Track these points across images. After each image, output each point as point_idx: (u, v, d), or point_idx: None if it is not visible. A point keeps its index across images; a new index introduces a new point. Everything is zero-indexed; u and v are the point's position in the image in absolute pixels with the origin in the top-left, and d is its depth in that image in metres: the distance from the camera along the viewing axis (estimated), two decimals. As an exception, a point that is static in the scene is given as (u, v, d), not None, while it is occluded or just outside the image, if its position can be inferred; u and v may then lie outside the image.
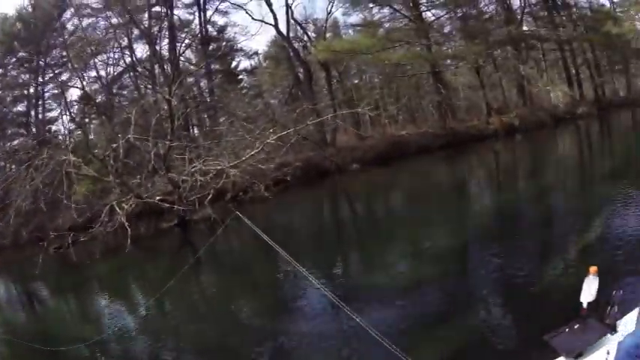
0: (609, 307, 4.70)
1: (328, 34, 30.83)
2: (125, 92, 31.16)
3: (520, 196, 14.18)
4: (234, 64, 33.88)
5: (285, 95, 32.13)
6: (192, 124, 28.89)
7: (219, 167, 17.99)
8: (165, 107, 19.76)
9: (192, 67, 29.47)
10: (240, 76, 34.96)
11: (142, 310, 9.50)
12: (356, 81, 33.66)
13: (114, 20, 28.53)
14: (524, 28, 37.60)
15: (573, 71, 41.71)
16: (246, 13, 29.04)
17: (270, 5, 27.90)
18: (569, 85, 38.94)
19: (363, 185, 20.73)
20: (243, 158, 18.30)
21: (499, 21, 35.26)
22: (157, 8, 29.07)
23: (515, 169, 20.35)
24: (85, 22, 29.25)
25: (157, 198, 17.88)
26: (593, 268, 5.23)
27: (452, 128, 26.87)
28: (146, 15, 28.59)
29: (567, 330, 4.57)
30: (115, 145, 19.12)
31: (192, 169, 18.25)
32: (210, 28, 30.83)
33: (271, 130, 19.65)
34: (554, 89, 34.60)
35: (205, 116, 29.39)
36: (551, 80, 37.84)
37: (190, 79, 30.04)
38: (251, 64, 35.92)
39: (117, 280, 13.03)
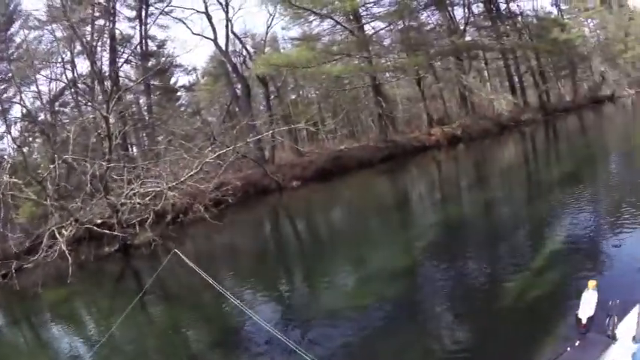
0: (608, 318, 4.78)
1: (267, 49, 31.68)
2: (67, 110, 30.71)
3: (464, 205, 14.80)
4: (172, 80, 34.01)
5: (223, 112, 32.51)
6: (131, 143, 28.81)
7: (157, 189, 18.02)
8: (104, 125, 19.63)
9: (131, 83, 29.31)
10: (179, 93, 35.23)
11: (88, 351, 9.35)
12: (293, 96, 34.58)
13: (58, 34, 28.30)
14: (468, 38, 39.04)
15: (516, 79, 44.38)
16: (186, 27, 29.17)
17: (209, 19, 28.51)
18: (513, 92, 41.38)
19: (305, 202, 21.03)
20: (182, 179, 18.38)
21: (441, 32, 36.79)
22: (101, 22, 28.96)
23: (458, 178, 21.08)
24: (32, 34, 28.98)
25: (98, 222, 17.78)
26: (592, 283, 5.33)
27: (393, 140, 27.82)
28: (89, 28, 28.36)
29: (569, 349, 4.64)
30: (52, 166, 19.00)
31: (130, 192, 18.22)
32: (150, 42, 30.87)
33: (209, 149, 19.95)
34: (498, 97, 36.42)
35: (144, 135, 29.34)
36: (495, 89, 39.54)
37: (130, 96, 30.04)
38: (189, 81, 36.43)
39: (62, 313, 12.73)
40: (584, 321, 4.82)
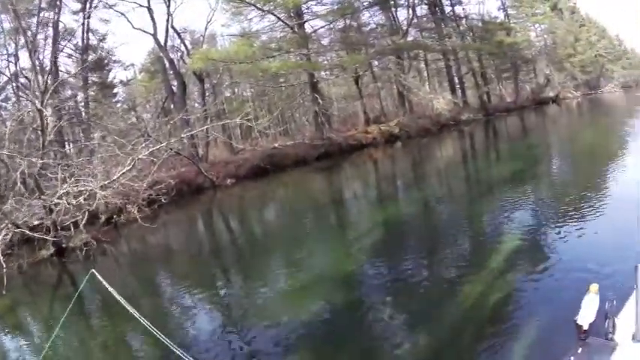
0: (606, 320, 4.83)
1: (205, 46, 32.41)
2: (8, 105, 30.65)
3: (400, 204, 15.13)
4: (111, 75, 34.48)
5: (158, 109, 33.16)
6: (68, 139, 29.06)
7: (89, 188, 17.51)
8: (39, 120, 19.00)
9: (70, 77, 29.50)
10: (116, 89, 35.76)
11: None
12: (228, 94, 35.64)
13: (6, 25, 28.43)
14: (410, 39, 40.78)
15: (457, 80, 47.21)
16: (127, 21, 29.75)
17: (151, 13, 28.84)
18: (453, 92, 44.12)
19: (239, 201, 21.37)
20: (114, 177, 18.15)
21: (383, 32, 38.56)
22: (47, 13, 29.23)
23: (394, 176, 21.91)
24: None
25: (34, 223, 17.21)
26: (594, 287, 5.31)
27: (329, 138, 28.78)
28: (35, 20, 28.52)
29: (572, 358, 4.66)
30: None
31: (63, 191, 17.40)
32: (91, 36, 31.21)
33: (143, 145, 19.69)
34: (437, 97, 38.89)
35: (80, 131, 29.62)
36: (434, 89, 41.46)
37: (69, 92, 30.36)
38: (127, 77, 36.93)
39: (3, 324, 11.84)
40: (585, 327, 4.86)
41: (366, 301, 7.69)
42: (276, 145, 26.84)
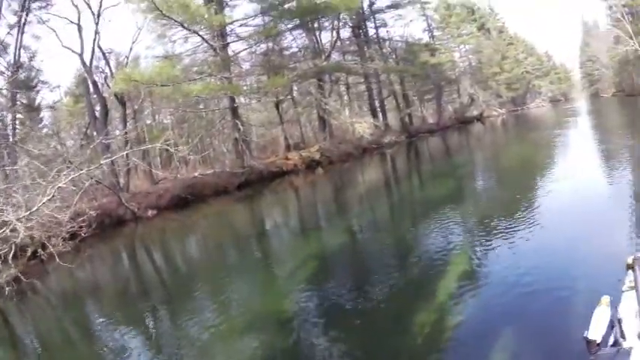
0: (613, 328, 4.90)
1: (130, 67, 33.23)
2: None
3: (324, 232, 15.21)
4: (38, 98, 34.95)
5: (80, 134, 33.95)
6: (-5, 164, 29.31)
7: (6, 219, 16.70)
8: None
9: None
10: (42, 113, 36.26)
11: None
12: (149, 122, 36.57)
13: None
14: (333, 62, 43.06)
15: (378, 103, 50.63)
16: (57, 38, 30.08)
17: (80, 31, 28.83)
18: (375, 115, 47.39)
19: (161, 234, 21.25)
20: (35, 208, 17.42)
21: (305, 55, 41.40)
22: None
23: (316, 203, 22.52)
24: None
25: None
26: (605, 299, 5.33)
27: (250, 166, 29.69)
28: None
29: None
30: None
31: None
32: (23, 52, 31.05)
33: (64, 173, 19.18)
34: (359, 121, 41.07)
35: (6, 155, 29.98)
36: (356, 112, 44.11)
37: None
38: (53, 100, 37.48)
39: None
40: (598, 340, 4.76)
41: (301, 337, 7.45)
42: (195, 174, 27.22)
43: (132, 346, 8.42)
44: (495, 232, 10.76)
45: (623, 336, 4.75)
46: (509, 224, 11.15)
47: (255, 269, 11.98)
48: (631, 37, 61.70)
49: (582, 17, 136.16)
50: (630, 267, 6.04)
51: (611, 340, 4.81)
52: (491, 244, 9.92)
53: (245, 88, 34.98)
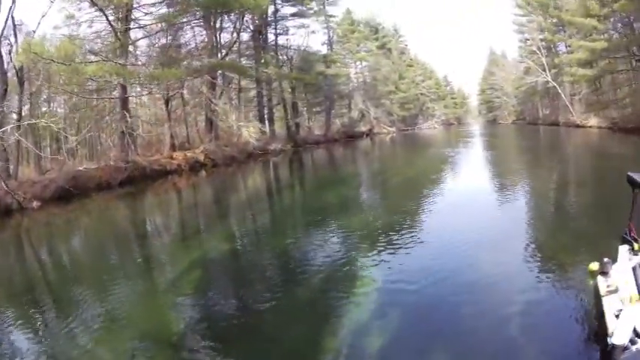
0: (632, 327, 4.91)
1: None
2: None
3: (204, 237, 15.24)
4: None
5: None
6: None
7: None
8: None
9: None
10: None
11: None
12: (44, 109, 37.42)
13: None
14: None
15: (267, 109, 55.21)
16: None
17: None
18: (262, 122, 51.41)
19: (46, 229, 20.32)
20: None
21: (203, 52, 44.11)
22: None
23: (197, 207, 22.49)
24: None
25: None
26: (635, 296, 5.36)
27: (134, 162, 30.60)
28: None
29: None
30: None
31: None
32: None
33: None
34: (246, 125, 43.94)
35: None
36: (244, 117, 47.98)
37: None
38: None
39: None
40: (625, 344, 4.72)
41: (181, 349, 7.05)
42: (81, 168, 27.62)
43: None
44: (374, 242, 11.24)
45: (637, 333, 4.82)
46: (389, 236, 11.77)
47: (137, 275, 11.45)
48: (544, 70, 71.31)
49: (491, 47, 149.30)
50: (600, 273, 6.61)
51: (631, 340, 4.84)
52: (370, 255, 10.26)
53: (140, 76, 35.75)
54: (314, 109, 70.35)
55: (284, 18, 58.34)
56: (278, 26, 58.03)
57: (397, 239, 11.41)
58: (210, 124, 41.97)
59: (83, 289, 10.69)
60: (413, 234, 11.83)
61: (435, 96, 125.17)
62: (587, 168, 25.50)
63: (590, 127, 56.21)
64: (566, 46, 70.68)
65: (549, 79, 71.50)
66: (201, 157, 36.51)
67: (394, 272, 9.07)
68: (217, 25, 45.79)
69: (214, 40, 45.44)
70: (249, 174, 34.53)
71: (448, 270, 8.92)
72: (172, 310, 8.63)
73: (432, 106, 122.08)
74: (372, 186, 24.51)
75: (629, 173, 6.95)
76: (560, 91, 69.60)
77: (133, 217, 21.40)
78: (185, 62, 40.79)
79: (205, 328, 7.63)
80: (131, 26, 36.24)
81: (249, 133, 42.86)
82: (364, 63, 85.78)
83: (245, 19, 49.65)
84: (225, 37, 48.28)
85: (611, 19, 49.47)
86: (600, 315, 5.80)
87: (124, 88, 34.38)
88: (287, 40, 59.44)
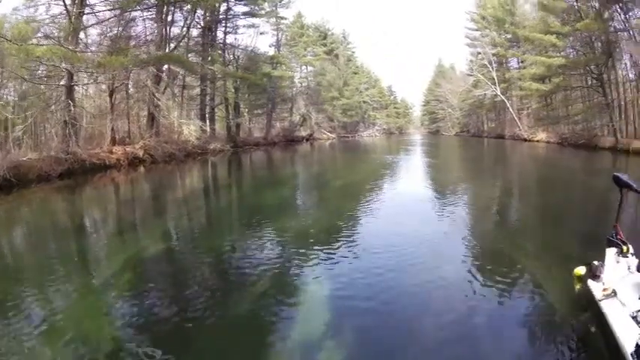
0: None
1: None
2: None
3: (141, 234, 15.10)
4: None
5: None
6: None
7: None
8: None
9: None
10: None
11: None
12: None
13: None
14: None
15: (209, 108, 56.89)
16: None
17: None
18: (203, 120, 52.82)
19: None
20: None
21: (150, 45, 45.21)
22: None
23: (135, 204, 22.36)
24: None
25: None
26: None
27: (75, 154, 30.93)
28: None
29: None
30: None
31: None
32: None
33: None
34: (188, 123, 45.43)
35: None
36: (187, 114, 49.36)
37: None
38: None
39: None
40: None
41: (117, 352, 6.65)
42: (24, 158, 27.61)
43: None
44: (312, 247, 11.26)
45: None
46: (328, 240, 11.82)
47: (71, 272, 10.99)
48: (494, 83, 75.34)
49: (439, 59, 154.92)
50: (591, 277, 6.70)
51: None
52: (309, 260, 10.19)
53: (87, 63, 35.47)
54: (255, 111, 72.17)
55: (235, 16, 59.99)
56: (228, 24, 59.83)
57: (338, 244, 11.44)
58: (152, 119, 42.72)
59: (11, 284, 10.04)
60: (354, 239, 11.91)
61: (377, 105, 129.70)
62: (535, 175, 27.72)
63: (537, 141, 60.68)
64: (518, 62, 76.22)
65: (498, 93, 76.39)
66: (141, 153, 37.20)
67: (336, 279, 8.89)
68: (169, 19, 47.03)
69: (164, 33, 46.34)
70: (187, 172, 34.92)
71: (393, 279, 8.78)
72: (104, 313, 8.20)
73: (374, 114, 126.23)
74: (310, 189, 25.12)
75: (614, 174, 7.10)
76: (508, 105, 74.65)
77: (71, 211, 20.79)
78: (133, 52, 41.00)
79: (137, 332, 7.23)
80: (85, 11, 36.71)
81: (190, 131, 44.19)
82: (310, 68, 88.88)
83: (197, 14, 51.14)
84: (174, 32, 49.51)
85: (571, 38, 52.67)
86: (600, 320, 5.93)
87: (70, 75, 34.72)
88: (235, 39, 61.47)
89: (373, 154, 53.45)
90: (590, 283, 6.73)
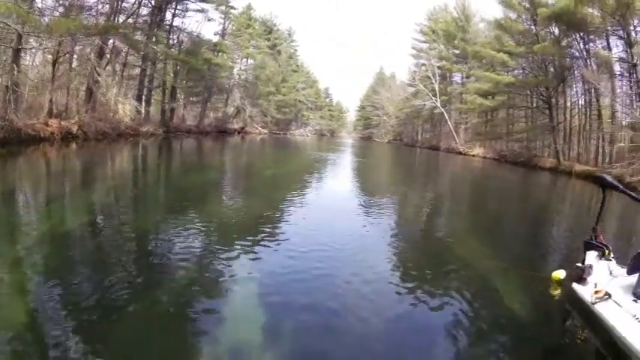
0: None
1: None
2: None
3: (70, 211, 14.41)
4: None
5: None
6: None
7: None
8: None
9: None
10: None
11: None
12: None
13: None
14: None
15: (147, 91, 57.74)
16: None
17: None
18: (140, 102, 53.69)
19: None
20: None
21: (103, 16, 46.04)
22: None
23: (65, 179, 21.83)
24: None
25: None
26: None
27: (11, 121, 30.72)
28: None
29: None
30: None
31: None
32: None
33: None
34: (124, 103, 46.33)
35: None
36: (124, 94, 50.29)
37: None
38: None
39: None
40: None
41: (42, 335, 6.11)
42: None
43: None
44: (235, 235, 11.16)
45: None
46: (251, 230, 11.68)
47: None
48: (435, 95, 78.47)
49: (381, 67, 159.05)
50: (576, 280, 6.95)
51: None
52: (229, 247, 9.94)
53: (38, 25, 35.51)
54: (191, 99, 73.30)
55: (187, -1, 61.55)
56: (179, 6, 60.78)
57: (263, 235, 11.20)
58: (90, 95, 43.21)
59: None
60: (280, 231, 11.70)
61: (313, 105, 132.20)
62: (472, 184, 29.14)
63: (473, 155, 63.15)
64: (462, 78, 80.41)
65: (438, 105, 79.87)
66: (75, 129, 37.54)
67: (263, 272, 8.54)
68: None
69: (115, 5, 47.34)
70: (118, 153, 34.81)
71: (321, 276, 8.53)
72: (11, 294, 7.40)
73: (308, 114, 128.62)
74: (239, 180, 25.15)
75: (598, 174, 7.20)
76: (447, 117, 78.05)
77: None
78: (82, 19, 41.37)
79: (48, 318, 6.51)
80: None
81: (125, 110, 45.13)
82: (250, 61, 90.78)
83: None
84: (125, 6, 50.27)
85: (524, 58, 55.22)
86: (594, 322, 6.05)
87: (20, 37, 34.69)
88: (182, 22, 62.12)
89: (305, 152, 54.86)
90: (576, 286, 6.99)
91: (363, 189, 22.79)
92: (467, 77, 76.05)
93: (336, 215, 14.61)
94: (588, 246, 7.60)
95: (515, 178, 37.64)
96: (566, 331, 6.78)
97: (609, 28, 42.39)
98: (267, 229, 11.90)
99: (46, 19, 37.59)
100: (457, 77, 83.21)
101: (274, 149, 56.32)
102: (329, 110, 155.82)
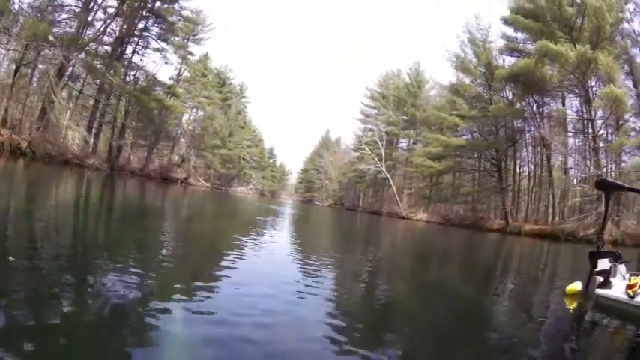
0: None
1: None
2: None
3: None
4: None
5: None
6: None
7: None
8: None
9: None
10: None
11: None
12: None
13: None
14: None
15: (97, 124, 58.41)
16: None
17: None
18: (90, 133, 54.02)
19: None
20: None
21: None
22: None
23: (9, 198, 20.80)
24: None
25: None
26: None
27: None
28: None
29: None
30: None
31: None
32: None
33: None
34: (75, 130, 46.47)
35: None
36: (76, 122, 50.32)
37: None
38: None
39: None
40: None
41: None
42: None
43: None
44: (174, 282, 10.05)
45: None
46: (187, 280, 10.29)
47: None
48: (381, 160, 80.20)
49: (327, 130, 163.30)
50: (599, 285, 7.37)
51: None
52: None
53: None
54: (139, 141, 73.77)
55: (149, 36, 62.71)
56: (140, 43, 62.32)
57: (201, 283, 9.83)
58: (44, 114, 43.30)
59: None
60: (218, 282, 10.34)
61: (256, 164, 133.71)
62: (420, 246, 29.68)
63: (417, 220, 63.64)
64: (408, 143, 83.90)
65: (383, 170, 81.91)
66: (25, 145, 37.22)
67: (198, 321, 7.06)
68: (89, 18, 49.62)
69: (83, 26, 48.69)
70: (64, 181, 33.25)
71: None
72: None
73: (251, 173, 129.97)
74: (179, 228, 24.77)
75: (598, 179, 8.27)
76: (391, 182, 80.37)
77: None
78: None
79: None
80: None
81: (75, 139, 45.41)
82: (200, 112, 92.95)
83: (116, 21, 53.57)
84: (90, 33, 51.50)
85: (475, 122, 58.11)
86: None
87: None
88: (141, 60, 63.00)
89: (246, 209, 54.81)
90: (601, 291, 7.35)
91: (301, 251, 23.59)
92: (414, 143, 79.62)
93: (270, 282, 12.29)
94: (596, 255, 7.94)
95: (463, 239, 39.61)
96: (601, 334, 6.81)
97: (567, 85, 45.86)
98: (204, 278, 10.08)
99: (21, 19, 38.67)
100: (404, 143, 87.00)
101: (214, 204, 54.50)
102: (272, 171, 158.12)
